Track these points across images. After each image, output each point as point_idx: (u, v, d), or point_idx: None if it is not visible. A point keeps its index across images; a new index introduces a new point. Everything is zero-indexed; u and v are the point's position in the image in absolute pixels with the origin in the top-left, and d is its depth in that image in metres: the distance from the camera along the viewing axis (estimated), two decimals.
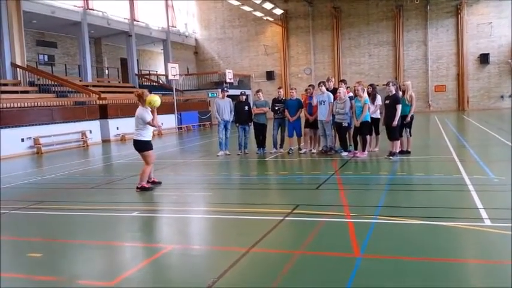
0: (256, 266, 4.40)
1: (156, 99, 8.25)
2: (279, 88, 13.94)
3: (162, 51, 37.00)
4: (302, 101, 12.89)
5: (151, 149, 8.57)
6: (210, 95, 33.21)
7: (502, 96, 33.87)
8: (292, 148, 12.87)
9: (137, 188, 8.33)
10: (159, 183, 8.87)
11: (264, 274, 4.16)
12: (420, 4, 34.17)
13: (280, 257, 4.61)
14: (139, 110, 8.32)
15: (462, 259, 4.37)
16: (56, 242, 5.63)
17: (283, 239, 5.28)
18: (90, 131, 21.16)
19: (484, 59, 33.78)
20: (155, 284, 4.10)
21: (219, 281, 3.97)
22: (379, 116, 11.82)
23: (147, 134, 8.45)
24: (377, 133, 12.08)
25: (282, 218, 5.94)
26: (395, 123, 10.56)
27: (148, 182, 8.55)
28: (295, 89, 13.69)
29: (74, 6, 26.56)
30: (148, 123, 8.30)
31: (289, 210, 6.30)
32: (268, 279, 3.99)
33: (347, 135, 11.82)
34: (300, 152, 12.68)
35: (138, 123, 8.30)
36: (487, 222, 5.32)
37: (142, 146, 8.43)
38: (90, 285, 4.17)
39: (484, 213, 5.66)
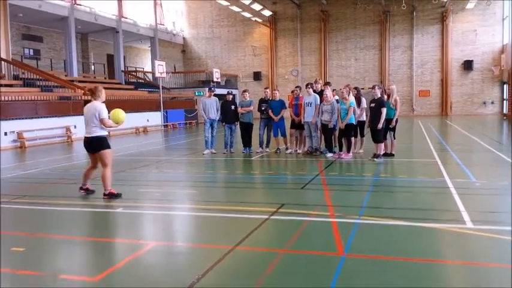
0: (240, 264, 4.42)
1: (123, 115, 7.61)
2: (266, 88, 14.04)
3: (150, 48, 36.82)
4: (285, 102, 13.11)
5: (110, 147, 7.67)
6: (196, 94, 33.16)
7: (484, 103, 34.41)
8: (279, 148, 12.97)
9: (104, 195, 7.48)
10: (93, 191, 7.90)
11: (248, 272, 4.18)
12: (407, 10, 34.54)
13: (265, 255, 4.63)
14: (97, 105, 7.45)
15: (443, 260, 4.43)
16: (39, 236, 5.58)
17: (267, 238, 5.31)
18: (75, 126, 20.95)
19: (467, 65, 34.31)
20: (138, 280, 4.08)
21: (203, 278, 3.98)
22: (364, 119, 11.94)
23: (104, 130, 7.57)
24: (362, 135, 12.20)
25: (266, 216, 5.97)
26: (380, 126, 10.68)
27: (81, 188, 7.81)
28: (278, 90, 13.91)
29: (61, 0, 26.29)
30: (103, 121, 7.41)
31: (274, 209, 6.33)
32: (253, 277, 4.01)
33: (332, 137, 11.91)
34: (286, 152, 12.75)
35: (94, 118, 7.39)
36: (469, 224, 5.41)
37: (101, 144, 7.52)
38: (73, 279, 4.15)
39: (465, 216, 5.75)
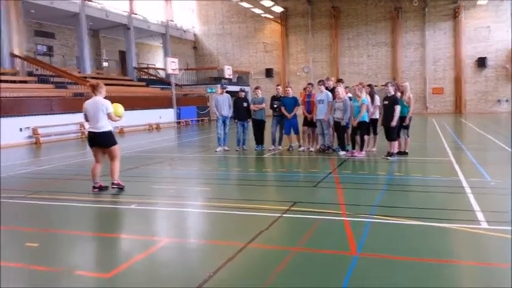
0: (252, 262, 4.42)
1: (122, 109, 7.85)
2: (278, 85, 13.95)
3: (161, 45, 36.91)
4: (299, 99, 13.01)
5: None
6: (208, 91, 33.17)
7: (498, 101, 34.00)
8: (292, 145, 12.95)
9: (113, 184, 7.79)
10: (106, 187, 7.89)
11: (260, 270, 4.18)
12: (418, 6, 34.27)
13: (277, 253, 4.62)
14: (101, 100, 7.63)
15: (457, 260, 4.39)
16: (53, 232, 5.63)
17: (280, 236, 5.30)
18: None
19: (481, 62, 33.88)
20: (151, 276, 4.10)
21: (215, 275, 3.98)
22: (377, 117, 11.86)
23: (110, 125, 7.77)
24: (375, 133, 12.12)
25: (279, 214, 5.96)
26: (393, 123, 10.59)
27: (94, 187, 7.77)
28: (291, 87, 13.80)
29: None
30: (110, 115, 7.61)
31: (287, 208, 6.31)
32: (264, 275, 4.00)
33: (345, 135, 11.85)
34: (299, 150, 12.73)
35: (101, 113, 7.55)
36: (484, 224, 5.34)
37: (111, 139, 7.74)
38: (87, 276, 4.18)
39: (480, 216, 5.68)
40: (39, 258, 4.63)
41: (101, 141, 7.74)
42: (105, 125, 7.66)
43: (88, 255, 4.87)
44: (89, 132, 7.79)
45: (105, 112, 7.58)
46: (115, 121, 7.88)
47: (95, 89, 7.73)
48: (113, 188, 7.79)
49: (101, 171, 7.97)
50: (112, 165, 7.82)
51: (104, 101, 7.66)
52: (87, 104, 7.72)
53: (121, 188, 7.79)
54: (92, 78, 25.65)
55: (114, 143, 7.81)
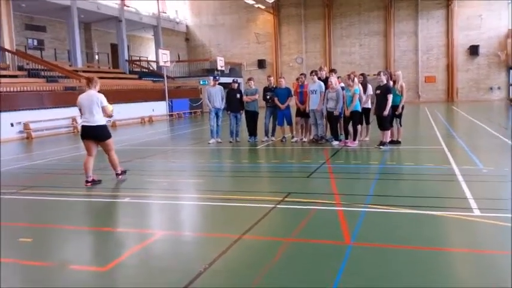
0: (247, 253, 4.43)
1: (111, 106, 7.96)
2: (269, 76, 13.90)
3: (153, 37, 36.67)
4: (291, 89, 12.98)
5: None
6: (201, 83, 33.03)
7: (491, 88, 34.14)
8: (285, 136, 12.95)
9: (117, 174, 8.11)
10: (100, 181, 7.95)
11: (254, 261, 4.19)
12: None
13: (271, 244, 4.64)
14: (96, 93, 7.69)
15: (451, 248, 4.43)
16: (47, 227, 5.62)
17: (274, 227, 5.31)
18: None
19: (473, 50, 33.99)
20: (146, 269, 4.11)
21: (210, 267, 3.99)
22: (369, 106, 11.88)
23: (104, 118, 7.84)
24: (368, 123, 12.14)
25: (273, 205, 5.97)
26: (386, 112, 10.61)
27: (87, 181, 7.75)
28: (284, 77, 13.76)
29: None
30: (105, 108, 7.70)
31: (281, 198, 6.33)
32: (259, 266, 4.02)
33: (338, 125, 11.87)
34: (292, 140, 12.73)
35: (96, 106, 7.60)
36: (476, 212, 5.38)
37: (106, 133, 7.86)
38: (82, 270, 4.17)
39: (473, 203, 5.73)
40: (33, 253, 4.62)
41: (96, 135, 7.82)
42: (100, 119, 7.73)
43: (83, 249, 4.86)
44: (83, 126, 7.82)
45: (99, 105, 7.65)
46: (110, 116, 7.96)
47: (90, 82, 7.85)
48: (119, 177, 8.11)
49: (94, 165, 7.96)
50: (110, 158, 8.03)
51: (99, 95, 7.74)
52: (81, 98, 7.77)
53: (125, 173, 8.27)
54: (83, 71, 25.55)
55: (109, 136, 7.93)
